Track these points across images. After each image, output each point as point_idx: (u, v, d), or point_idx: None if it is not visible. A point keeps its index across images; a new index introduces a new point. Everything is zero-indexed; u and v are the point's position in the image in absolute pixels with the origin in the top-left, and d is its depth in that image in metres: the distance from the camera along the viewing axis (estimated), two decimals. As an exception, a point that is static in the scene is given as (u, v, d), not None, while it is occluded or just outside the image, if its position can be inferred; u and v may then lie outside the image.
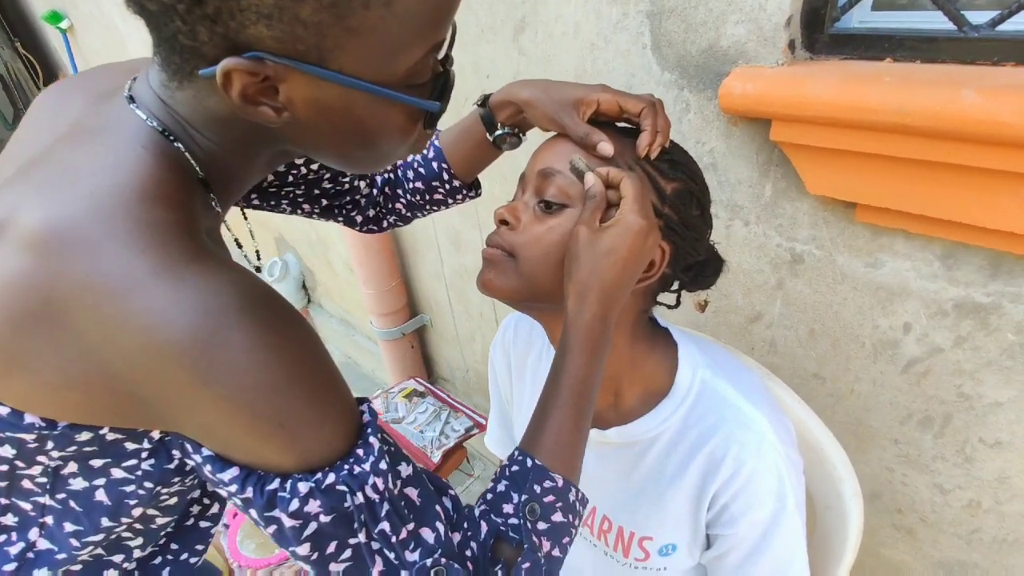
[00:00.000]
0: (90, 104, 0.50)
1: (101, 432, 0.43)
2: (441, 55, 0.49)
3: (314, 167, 0.75)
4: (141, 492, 0.48)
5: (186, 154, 0.46)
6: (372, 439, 0.46)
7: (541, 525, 0.52)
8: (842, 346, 0.93)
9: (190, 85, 0.44)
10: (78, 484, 0.46)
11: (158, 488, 0.49)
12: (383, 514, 0.45)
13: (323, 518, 0.43)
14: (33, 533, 0.48)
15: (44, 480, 0.45)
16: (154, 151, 0.44)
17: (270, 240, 2.83)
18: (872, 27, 0.76)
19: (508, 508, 0.53)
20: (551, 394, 0.57)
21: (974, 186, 0.67)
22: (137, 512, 0.49)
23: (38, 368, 0.40)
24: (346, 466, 0.44)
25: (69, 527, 0.48)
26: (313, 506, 0.42)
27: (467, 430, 1.68)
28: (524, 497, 0.52)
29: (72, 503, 0.47)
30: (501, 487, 0.54)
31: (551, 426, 0.56)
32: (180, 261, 0.39)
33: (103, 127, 0.46)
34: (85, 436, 0.43)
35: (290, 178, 0.75)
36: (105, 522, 0.48)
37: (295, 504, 0.42)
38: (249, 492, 0.42)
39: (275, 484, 0.42)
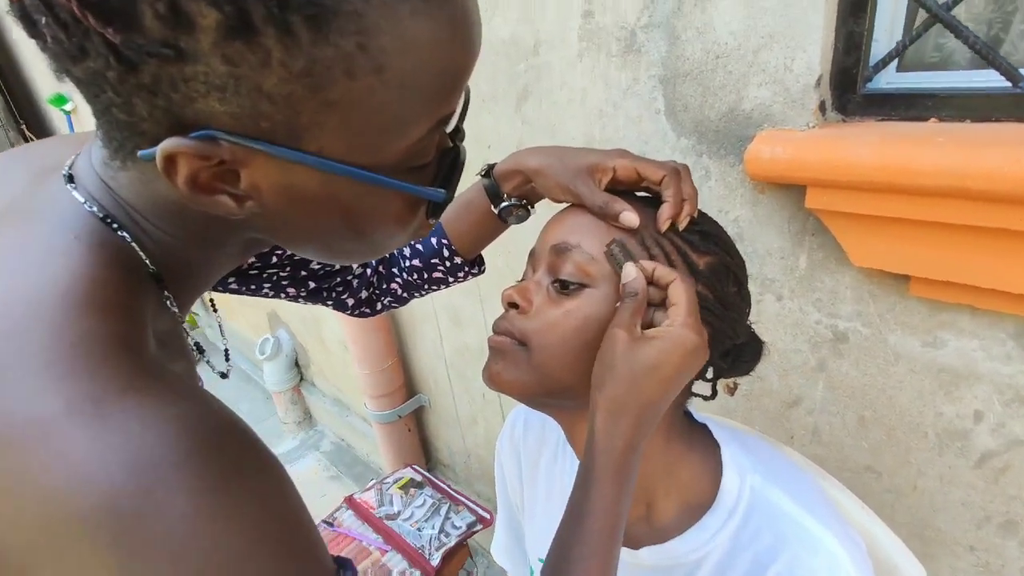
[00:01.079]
0: (28, 182, 0.41)
1: None
2: (449, 128, 0.41)
3: None
4: None
5: (133, 244, 0.37)
6: None
7: None
8: (899, 436, 0.81)
9: (134, 166, 0.36)
10: None
11: None
12: None
13: None
14: None
15: None
16: (90, 242, 0.35)
17: (262, 316, 2.74)
18: (911, 86, 0.70)
19: None
20: (575, 541, 0.47)
21: (1055, 256, 0.58)
22: None
23: None
24: None
25: None
26: None
27: (469, 526, 1.52)
28: None
29: None
30: None
31: (576, 560, 0.46)
32: (110, 392, 0.29)
33: (34, 212, 0.37)
34: None
35: (273, 259, 0.66)
36: None
37: None
38: None
39: None
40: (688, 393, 0.61)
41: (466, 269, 0.73)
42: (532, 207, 0.67)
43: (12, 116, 3.77)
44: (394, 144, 0.35)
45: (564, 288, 0.54)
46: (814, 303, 0.82)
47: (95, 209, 0.37)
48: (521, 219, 0.68)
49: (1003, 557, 0.78)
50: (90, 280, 0.34)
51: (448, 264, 0.72)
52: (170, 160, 0.32)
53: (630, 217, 0.53)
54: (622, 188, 0.58)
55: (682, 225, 0.55)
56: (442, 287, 0.76)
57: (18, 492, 0.27)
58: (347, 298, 0.74)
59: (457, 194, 0.70)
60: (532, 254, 0.60)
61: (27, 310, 0.31)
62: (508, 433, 0.82)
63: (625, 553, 0.62)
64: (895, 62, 0.72)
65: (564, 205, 0.60)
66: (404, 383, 1.88)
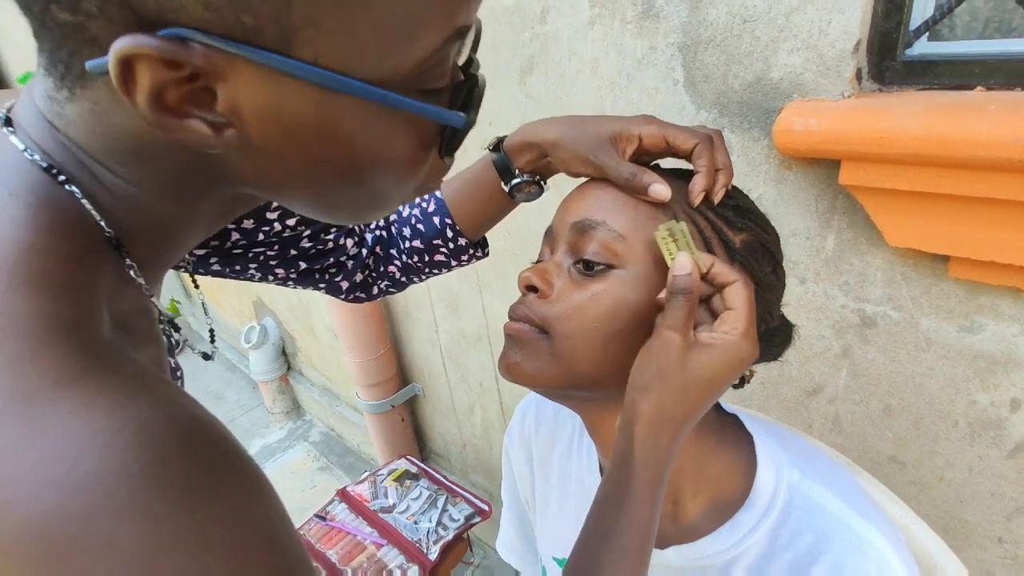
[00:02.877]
0: None
1: None
2: (463, 59, 0.35)
3: (290, 222, 0.60)
4: None
5: (84, 201, 0.30)
6: None
7: None
8: (927, 425, 0.77)
9: (83, 92, 0.29)
10: None
11: None
12: None
13: None
14: None
15: None
16: (29, 199, 0.29)
17: (247, 303, 2.66)
18: (955, 53, 0.65)
19: None
20: (607, 559, 0.44)
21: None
22: None
23: None
24: None
25: None
26: None
27: (468, 518, 1.47)
28: None
29: None
30: None
31: (605, 564, 0.43)
32: (43, 388, 0.23)
33: None
34: None
35: (260, 235, 0.59)
36: None
37: None
38: None
39: None
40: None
41: (470, 252, 0.68)
42: (545, 183, 0.62)
43: (-20, 95, 3.62)
44: (404, 52, 0.28)
45: (588, 269, 0.49)
46: (840, 286, 0.78)
47: (37, 157, 0.30)
48: (533, 196, 0.62)
49: (1033, 549, 0.75)
50: (26, 248, 0.27)
51: (451, 246, 0.67)
52: (127, 66, 0.25)
53: (660, 190, 0.48)
54: (648, 158, 0.53)
55: (717, 198, 0.50)
56: (443, 271, 0.71)
57: None
58: (341, 280, 0.68)
59: (461, 169, 0.65)
60: (549, 233, 0.54)
61: None
62: (518, 425, 0.77)
63: (650, 554, 0.58)
64: (930, 30, 0.67)
65: (582, 180, 0.54)
66: (397, 372, 1.83)
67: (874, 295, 0.75)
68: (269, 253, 0.61)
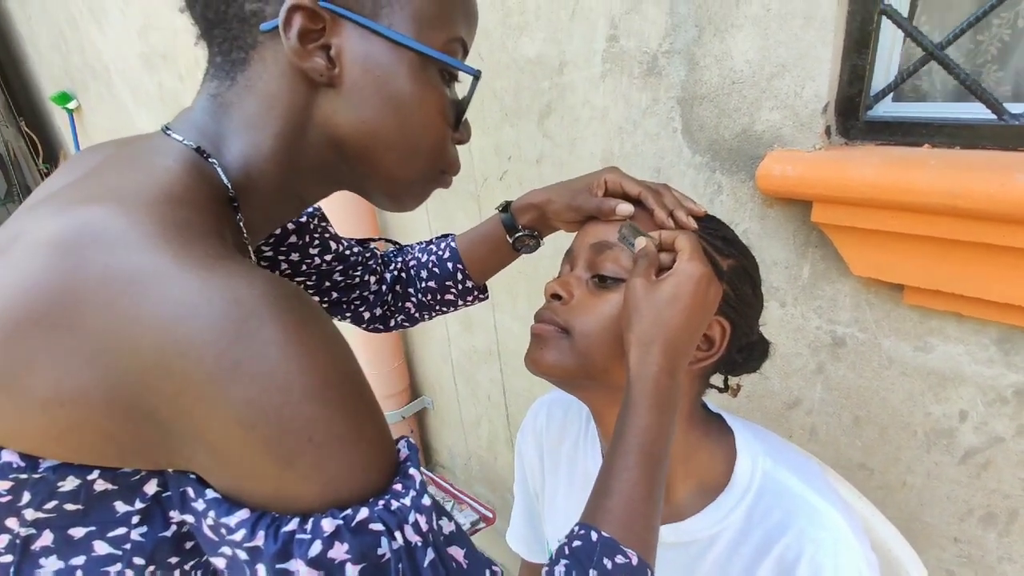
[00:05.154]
0: (121, 145, 0.48)
1: (90, 479, 0.36)
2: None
3: (327, 257, 0.74)
4: (129, 574, 0.39)
5: (218, 170, 0.44)
6: (412, 471, 0.39)
7: None
8: (891, 435, 0.88)
9: (242, 75, 0.45)
10: (51, 565, 0.37)
11: (150, 568, 0.40)
12: (426, 564, 0.36)
13: (350, 569, 0.34)
14: None
15: (9, 558, 0.37)
16: (185, 164, 0.42)
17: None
18: (907, 115, 0.78)
19: None
20: (616, 455, 0.50)
21: (1033, 269, 0.66)
22: None
23: (27, 384, 0.33)
24: (381, 501, 0.37)
25: None
26: (339, 551, 0.34)
27: (473, 524, 1.55)
28: (594, 572, 0.43)
29: None
30: (560, 570, 0.45)
31: (619, 491, 0.48)
32: (208, 257, 0.35)
33: (133, 154, 0.44)
34: (70, 484, 0.36)
35: (304, 267, 0.73)
36: None
37: (316, 547, 0.34)
38: (259, 538, 0.34)
39: (293, 525, 0.34)
40: (706, 382, 0.67)
41: (475, 293, 0.82)
42: (542, 240, 0.77)
43: (11, 112, 3.76)
44: (438, 34, 0.47)
45: (603, 282, 0.60)
46: (815, 310, 0.89)
47: (190, 142, 0.44)
48: (531, 249, 0.77)
49: (983, 548, 0.85)
50: (184, 186, 0.41)
51: (460, 287, 0.81)
52: (289, 14, 0.42)
53: (624, 207, 0.62)
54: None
55: (695, 214, 0.62)
56: (451, 309, 0.84)
57: (138, 323, 0.33)
58: (363, 311, 0.82)
59: (474, 225, 0.79)
60: (569, 253, 0.66)
61: (136, 200, 0.37)
62: (530, 423, 0.87)
63: (645, 532, 0.67)
64: (892, 93, 0.80)
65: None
66: (409, 385, 1.93)
67: (843, 318, 0.86)
68: (308, 283, 0.75)
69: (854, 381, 0.89)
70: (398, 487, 0.38)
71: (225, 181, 0.45)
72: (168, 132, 0.46)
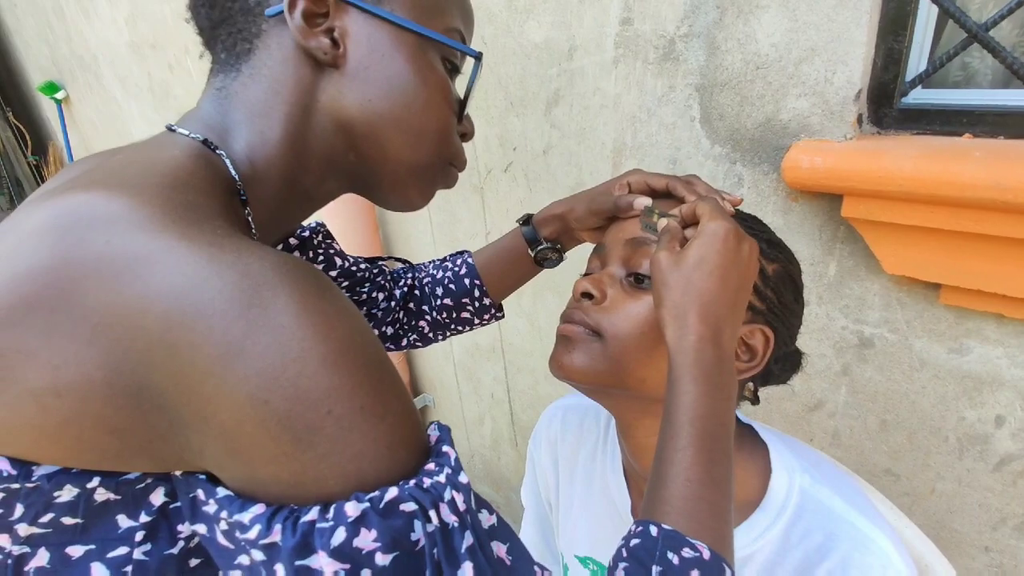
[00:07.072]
0: (122, 148, 0.45)
1: (89, 487, 0.32)
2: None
3: (333, 273, 0.69)
4: None
5: (226, 161, 0.43)
6: (447, 448, 0.35)
7: None
8: (920, 440, 0.84)
9: (247, 65, 0.44)
10: None
11: None
12: (464, 549, 0.32)
13: (380, 559, 0.30)
14: None
15: None
16: (191, 155, 0.41)
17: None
18: (946, 102, 0.73)
19: None
20: (666, 439, 0.45)
21: (1088, 268, 0.61)
22: None
23: (20, 375, 0.30)
24: (412, 480, 0.32)
25: None
26: (366, 538, 0.30)
27: (476, 526, 1.51)
28: (658, 569, 0.38)
29: None
30: (619, 575, 0.39)
31: (674, 477, 0.42)
32: (216, 235, 0.33)
33: (135, 148, 0.43)
34: (68, 495, 0.32)
35: None
36: None
37: (340, 535, 0.29)
38: (276, 533, 0.30)
39: (313, 514, 0.30)
40: (740, 396, 0.62)
41: (492, 311, 0.77)
42: (564, 253, 0.72)
43: (-2, 102, 3.69)
44: (438, 21, 0.47)
45: (639, 282, 0.55)
46: (841, 309, 0.84)
47: (197, 136, 0.44)
48: (553, 263, 0.73)
49: (1016, 558, 0.81)
50: (190, 173, 0.39)
51: (477, 305, 0.76)
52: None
53: (641, 200, 0.58)
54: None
55: (733, 202, 0.57)
56: (466, 328, 0.80)
57: (142, 299, 0.30)
58: (373, 329, 0.76)
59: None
60: (600, 249, 0.60)
61: (142, 182, 0.36)
62: (544, 430, 0.82)
63: (670, 550, 0.63)
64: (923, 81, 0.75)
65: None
66: (409, 382, 1.88)
67: (872, 318, 0.82)
68: None
69: (882, 383, 0.84)
70: (431, 466, 0.34)
71: (232, 172, 0.43)
72: (173, 129, 0.45)
